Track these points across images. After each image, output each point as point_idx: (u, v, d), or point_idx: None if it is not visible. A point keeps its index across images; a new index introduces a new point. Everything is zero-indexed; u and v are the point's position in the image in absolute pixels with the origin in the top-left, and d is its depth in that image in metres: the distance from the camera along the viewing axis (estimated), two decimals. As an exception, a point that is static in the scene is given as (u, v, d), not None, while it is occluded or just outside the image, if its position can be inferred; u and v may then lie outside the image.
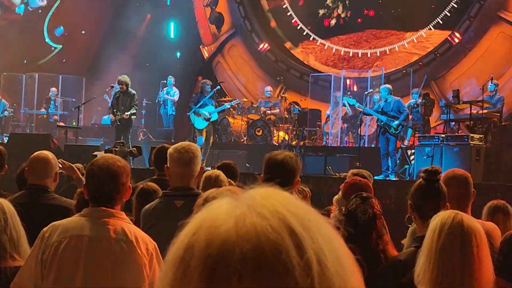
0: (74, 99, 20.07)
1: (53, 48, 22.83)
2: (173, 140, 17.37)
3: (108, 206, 3.28)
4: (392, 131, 12.98)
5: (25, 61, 21.83)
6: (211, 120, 14.72)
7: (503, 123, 13.51)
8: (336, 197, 4.53)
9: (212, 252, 0.89)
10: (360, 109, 14.00)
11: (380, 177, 12.61)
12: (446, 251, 2.70)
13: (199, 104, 14.66)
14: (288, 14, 21.50)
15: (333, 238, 0.95)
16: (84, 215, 3.32)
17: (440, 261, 2.70)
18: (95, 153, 8.34)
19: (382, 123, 13.21)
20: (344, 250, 0.96)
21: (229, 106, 16.05)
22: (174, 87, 18.92)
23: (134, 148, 9.19)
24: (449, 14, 18.65)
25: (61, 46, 22.68)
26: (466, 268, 2.69)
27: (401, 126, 13.06)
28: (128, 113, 13.97)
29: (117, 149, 8.82)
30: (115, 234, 3.22)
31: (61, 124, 18.28)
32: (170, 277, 0.93)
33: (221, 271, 0.88)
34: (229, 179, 5.28)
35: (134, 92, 14.41)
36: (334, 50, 20.72)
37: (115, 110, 14.19)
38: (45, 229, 3.27)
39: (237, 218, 0.91)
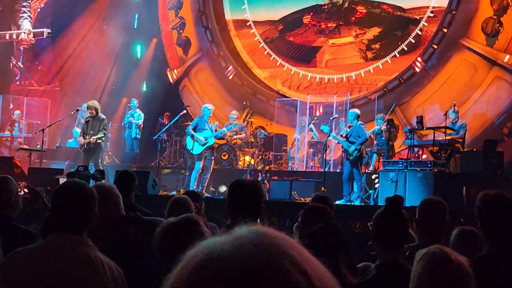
0: (39, 122, 19.87)
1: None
2: (136, 165, 17.26)
3: (75, 232, 3.22)
4: (349, 157, 13.12)
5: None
6: (207, 144, 14.48)
7: (465, 149, 13.70)
8: (296, 224, 4.53)
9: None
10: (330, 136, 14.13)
11: (341, 201, 12.68)
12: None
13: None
14: (258, 42, 21.70)
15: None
16: (50, 241, 3.25)
17: None
18: (58, 176, 8.25)
19: (343, 149, 13.39)
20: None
21: (227, 131, 15.86)
22: (138, 110, 18.84)
23: (97, 172, 9.10)
24: (413, 41, 18.96)
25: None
26: None
27: (356, 151, 13.14)
28: (95, 137, 13.93)
29: (80, 172, 8.74)
30: (81, 262, 3.15)
31: (25, 146, 18.06)
32: None
33: None
34: (194, 202, 5.30)
35: (104, 117, 14.39)
36: (301, 76, 20.87)
37: (84, 134, 14.15)
38: (8, 255, 3.21)
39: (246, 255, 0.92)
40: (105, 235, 4.09)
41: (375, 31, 19.69)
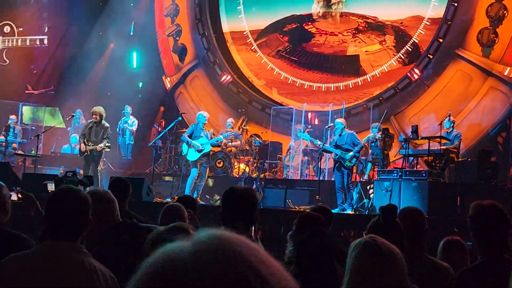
0: (34, 127, 19.84)
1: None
2: (131, 171, 17.24)
3: (69, 238, 3.20)
4: (346, 164, 13.09)
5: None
6: (203, 151, 14.43)
7: (460, 159, 13.71)
8: (290, 232, 4.52)
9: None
10: (316, 145, 14.11)
11: (336, 210, 12.67)
12: (365, 276, 2.72)
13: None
14: (252, 48, 21.75)
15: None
16: (44, 248, 3.23)
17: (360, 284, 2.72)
18: (46, 182, 8.20)
19: (337, 157, 13.33)
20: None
21: (223, 138, 15.89)
22: (131, 117, 18.84)
23: (85, 178, 9.06)
24: (410, 49, 19.00)
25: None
26: None
27: (355, 158, 13.17)
28: (102, 145, 13.76)
29: (68, 178, 8.70)
30: (75, 268, 3.14)
31: (20, 152, 18.02)
32: None
33: None
34: (188, 210, 5.28)
35: (108, 125, 14.25)
36: (298, 84, 20.88)
37: (86, 140, 13.99)
38: (3, 260, 3.19)
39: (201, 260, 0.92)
40: (100, 241, 4.08)
41: (390, 38, 19.67)
